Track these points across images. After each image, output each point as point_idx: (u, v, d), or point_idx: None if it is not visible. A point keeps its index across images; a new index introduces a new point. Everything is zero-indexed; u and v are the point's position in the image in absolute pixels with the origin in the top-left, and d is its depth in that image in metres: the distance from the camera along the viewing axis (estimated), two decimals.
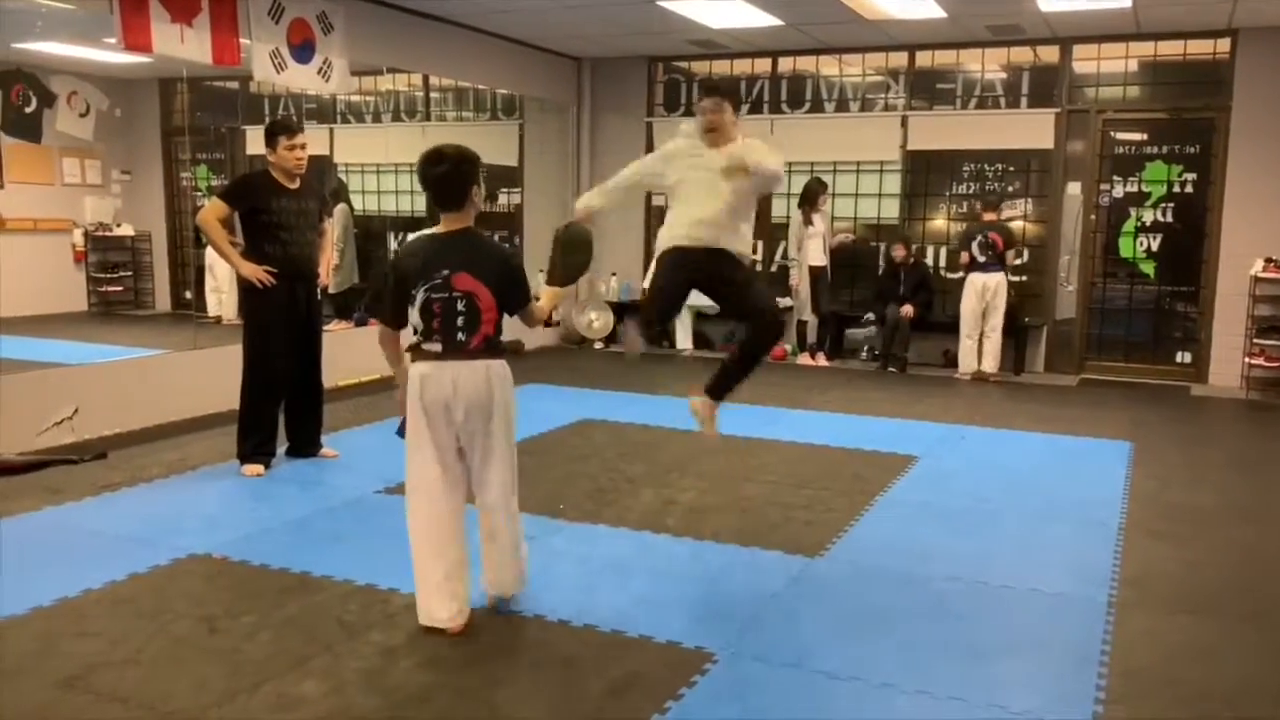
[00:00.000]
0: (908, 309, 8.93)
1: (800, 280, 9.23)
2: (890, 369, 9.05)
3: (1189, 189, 8.72)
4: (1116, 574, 4.00)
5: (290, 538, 4.29)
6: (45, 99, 9.86)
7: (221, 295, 9.77)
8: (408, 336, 3.40)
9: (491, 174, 10.88)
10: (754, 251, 4.36)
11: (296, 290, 5.26)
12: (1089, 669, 3.15)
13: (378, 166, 11.03)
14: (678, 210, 4.06)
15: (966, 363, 8.69)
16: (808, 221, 9.15)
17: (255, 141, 5.35)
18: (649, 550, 4.22)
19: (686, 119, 10.15)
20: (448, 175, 3.30)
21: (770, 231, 10.08)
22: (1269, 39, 8.21)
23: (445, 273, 3.24)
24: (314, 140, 9.79)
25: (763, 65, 10.00)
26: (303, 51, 7.12)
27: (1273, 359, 8.08)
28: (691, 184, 4.01)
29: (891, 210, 9.68)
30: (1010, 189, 9.23)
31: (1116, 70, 8.92)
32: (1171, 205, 8.79)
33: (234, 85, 10.36)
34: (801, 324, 9.51)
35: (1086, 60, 8.95)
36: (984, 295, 8.50)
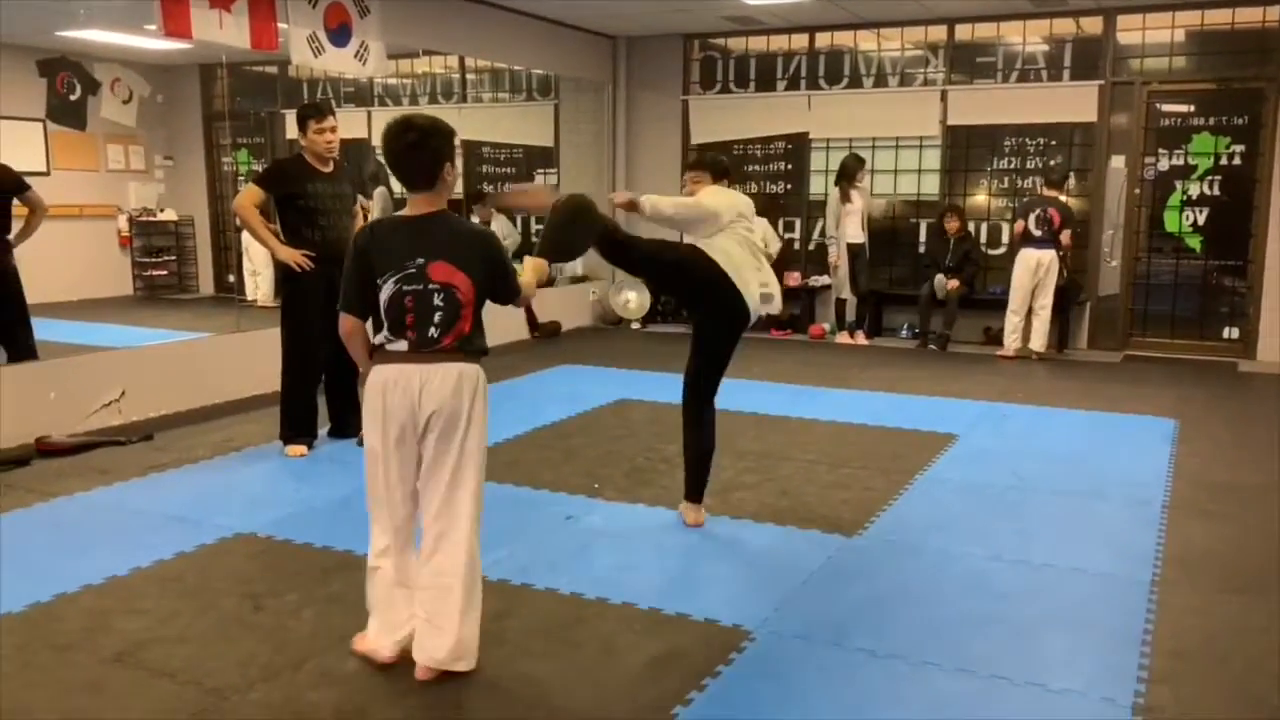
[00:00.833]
0: (954, 282, 8.84)
1: (838, 258, 9.17)
2: (931, 346, 8.97)
3: (1237, 161, 8.54)
4: (1160, 553, 3.95)
5: (332, 517, 4.35)
6: (89, 86, 10.02)
7: (258, 278, 9.89)
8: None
9: (528, 154, 10.90)
10: None
11: (333, 273, 5.27)
12: (1132, 648, 3.12)
13: None
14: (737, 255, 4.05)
15: (1011, 340, 8.52)
16: (845, 198, 9.07)
17: (294, 125, 5.40)
18: (687, 529, 4.22)
19: (723, 96, 10.14)
20: (416, 148, 2.83)
21: (808, 209, 10.02)
22: None
23: (420, 261, 2.80)
24: (352, 123, 9.87)
25: (800, 41, 9.91)
26: (340, 35, 7.16)
27: None
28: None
29: (931, 186, 9.57)
30: (1053, 163, 9.08)
31: (1162, 40, 8.74)
32: (1219, 178, 8.61)
33: (272, 70, 10.46)
34: (840, 302, 9.45)
35: (1131, 31, 8.78)
36: (1036, 271, 8.33)
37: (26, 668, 2.97)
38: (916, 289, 9.23)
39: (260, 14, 6.49)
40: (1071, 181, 9.04)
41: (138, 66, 10.45)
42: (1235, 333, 8.73)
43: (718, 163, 4.42)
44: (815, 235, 9.98)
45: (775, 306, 4.25)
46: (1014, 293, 8.44)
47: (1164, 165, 8.77)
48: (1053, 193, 8.48)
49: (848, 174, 9.08)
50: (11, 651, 3.07)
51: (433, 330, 2.81)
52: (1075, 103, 8.90)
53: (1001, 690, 2.88)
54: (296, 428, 5.35)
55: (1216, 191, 8.64)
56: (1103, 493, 4.76)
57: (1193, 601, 3.52)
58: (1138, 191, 8.86)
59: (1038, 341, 8.47)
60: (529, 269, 3.29)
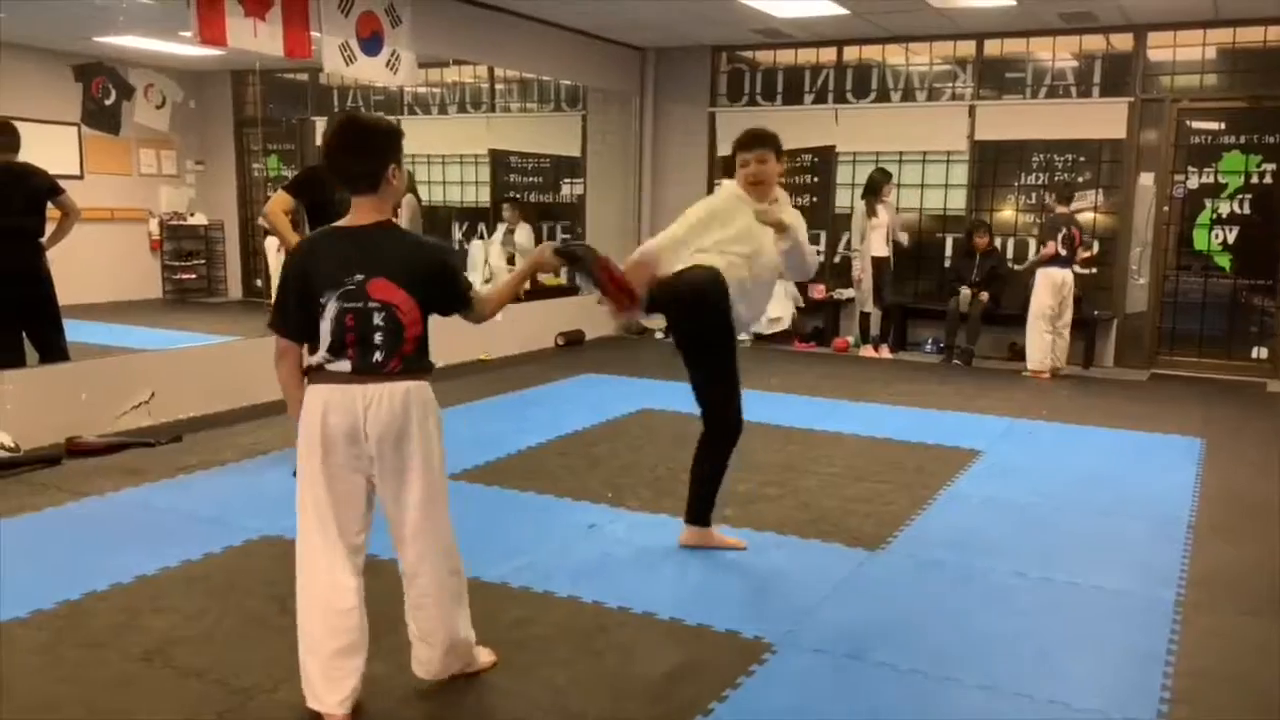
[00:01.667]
0: (983, 295, 8.80)
1: (863, 271, 9.17)
2: (955, 361, 8.94)
3: (1268, 179, 8.48)
4: (1184, 573, 3.93)
5: None
6: (124, 91, 10.15)
7: None
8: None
9: (556, 164, 10.96)
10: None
11: None
12: (1155, 668, 3.11)
13: (443, 158, 11.17)
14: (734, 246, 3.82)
15: (1040, 359, 8.36)
16: (871, 213, 9.07)
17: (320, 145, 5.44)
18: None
19: (750, 109, 10.16)
20: (357, 148, 2.61)
21: (833, 222, 10.02)
22: None
23: (359, 278, 2.58)
24: None
25: (828, 55, 9.93)
26: (371, 44, 7.23)
27: None
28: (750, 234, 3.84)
29: (958, 201, 9.55)
30: (1081, 179, 9.05)
31: (1193, 58, 8.69)
32: (1249, 196, 8.55)
33: (304, 77, 10.58)
34: (864, 316, 9.44)
35: (1162, 48, 8.74)
36: (1060, 290, 8.29)
37: (57, 663, 3.02)
38: (941, 303, 9.21)
39: (294, 22, 6.57)
40: (1100, 197, 9.00)
41: (171, 72, 10.59)
42: (1264, 352, 8.65)
43: (775, 139, 3.97)
44: (840, 249, 9.98)
45: (759, 326, 4.01)
46: (1042, 314, 8.30)
47: (1193, 183, 8.72)
48: (1066, 209, 8.44)
49: (874, 188, 9.09)
50: (43, 647, 3.12)
51: (376, 354, 2.60)
52: (1104, 119, 8.87)
53: (1023, 707, 2.87)
54: None
55: (1247, 210, 8.58)
56: (1127, 511, 4.74)
57: (1216, 622, 3.50)
58: (1166, 209, 8.81)
59: (1060, 358, 8.42)
60: (506, 287, 3.00)
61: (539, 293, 9.51)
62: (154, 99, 10.53)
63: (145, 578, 3.67)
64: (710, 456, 4.04)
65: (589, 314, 9.90)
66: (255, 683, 2.91)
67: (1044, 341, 8.35)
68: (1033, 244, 8.91)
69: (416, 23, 7.57)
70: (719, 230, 3.84)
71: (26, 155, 6.13)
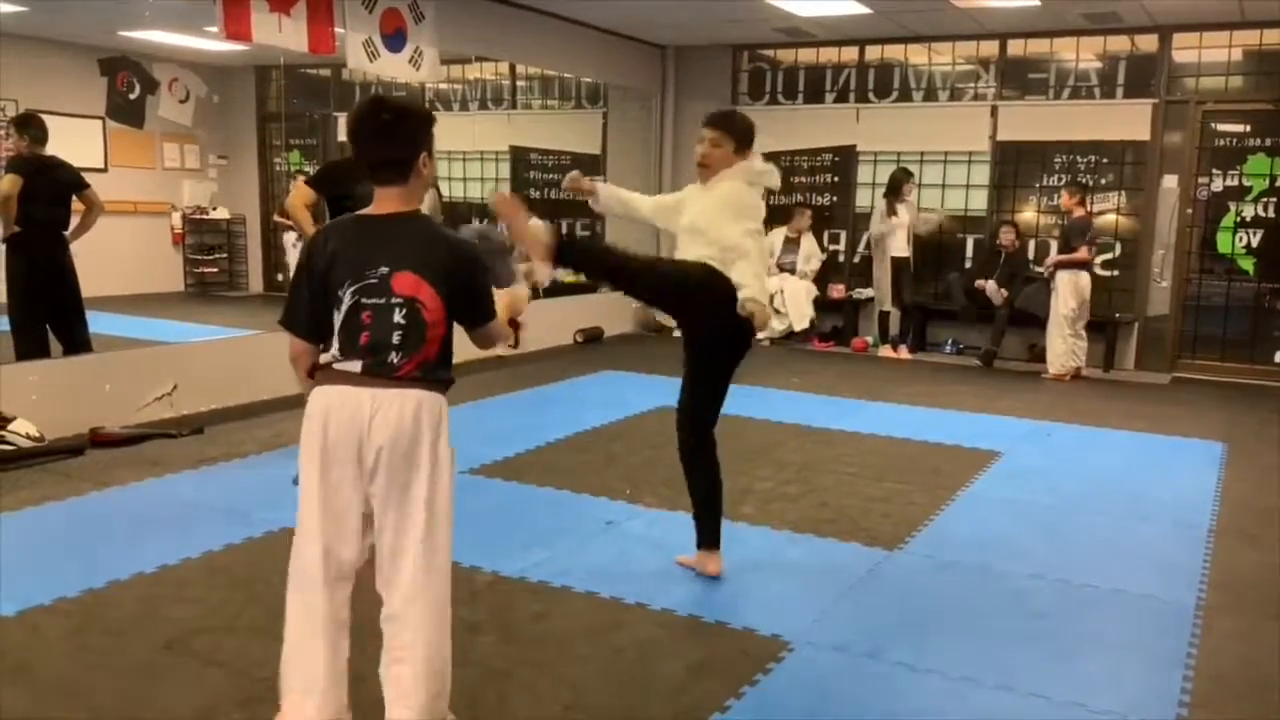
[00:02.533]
0: (1002, 291, 8.77)
1: (881, 271, 9.15)
2: (976, 362, 8.90)
3: None
4: (1205, 577, 3.91)
5: None
6: (148, 86, 10.23)
7: None
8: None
9: (576, 162, 10.97)
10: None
11: None
12: (1174, 671, 3.10)
13: (464, 154, 11.20)
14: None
15: (1061, 362, 8.32)
16: (891, 212, 9.05)
17: (345, 128, 5.48)
18: (726, 538, 4.21)
19: (771, 108, 10.15)
20: (388, 134, 2.38)
21: (853, 221, 10.00)
22: None
23: (383, 270, 2.35)
24: None
25: (850, 54, 9.90)
26: (395, 40, 7.27)
27: None
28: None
29: (979, 202, 9.51)
30: (1103, 181, 8.99)
31: (1219, 59, 8.62)
32: (1274, 200, 8.48)
33: (326, 73, 10.62)
34: (883, 315, 9.41)
35: (1187, 49, 8.68)
36: (1082, 293, 8.24)
37: (82, 650, 3.06)
38: (961, 304, 9.15)
39: (319, 18, 6.60)
40: (1122, 199, 8.96)
41: (196, 67, 10.65)
42: None
43: (746, 127, 3.69)
44: (860, 248, 9.95)
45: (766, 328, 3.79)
46: (1065, 317, 8.26)
47: (1218, 185, 8.66)
48: (1085, 210, 8.40)
49: (894, 188, 9.07)
50: (68, 634, 3.16)
51: (392, 355, 2.34)
52: (1128, 121, 8.81)
53: (1041, 708, 2.87)
54: None
55: (1271, 214, 8.50)
56: (1147, 514, 4.72)
57: (1237, 626, 3.48)
58: (1190, 211, 8.75)
59: (1080, 359, 8.38)
60: (505, 300, 2.71)
61: (558, 290, 9.52)
62: (178, 93, 10.60)
63: (167, 567, 3.71)
64: (717, 469, 3.79)
65: (608, 311, 9.91)
66: (276, 673, 2.92)
67: (1066, 344, 8.31)
68: (1053, 245, 8.85)
69: (440, 19, 7.60)
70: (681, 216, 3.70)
71: (53, 148, 6.20)
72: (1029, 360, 9.00)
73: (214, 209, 11.21)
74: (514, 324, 2.80)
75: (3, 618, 3.25)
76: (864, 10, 8.26)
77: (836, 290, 9.81)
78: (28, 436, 5.17)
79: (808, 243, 9.74)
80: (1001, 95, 9.32)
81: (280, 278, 10.95)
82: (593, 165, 10.83)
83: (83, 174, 6.35)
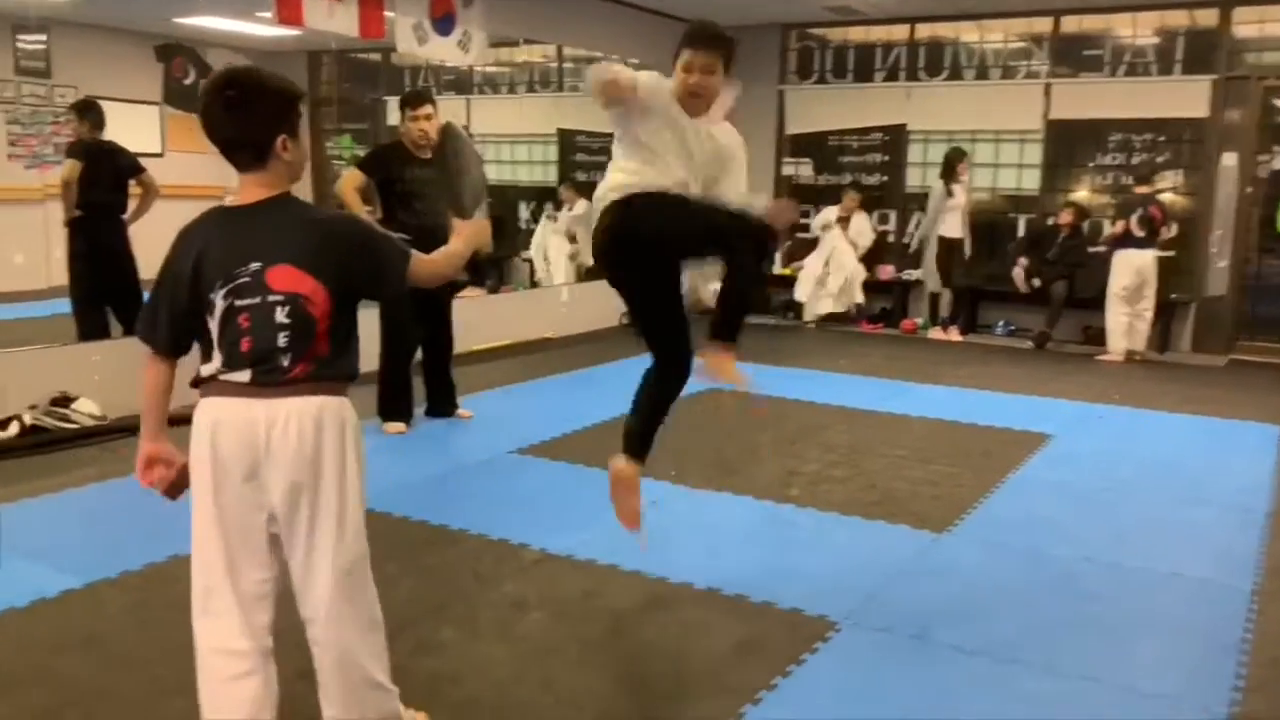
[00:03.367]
0: (1034, 282, 8.67)
1: (929, 254, 9.06)
2: (1031, 343, 8.79)
3: None
4: (1262, 562, 3.85)
5: (430, 492, 4.48)
6: (203, 71, 10.37)
7: None
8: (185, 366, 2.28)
9: None
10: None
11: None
12: (1228, 656, 3.06)
13: (512, 137, 11.25)
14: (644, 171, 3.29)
15: (1115, 343, 8.22)
16: (948, 192, 8.94)
17: (395, 111, 5.58)
18: (772, 519, 4.25)
19: (820, 87, 10.06)
20: (237, 111, 2.10)
21: (904, 202, 9.90)
22: None
23: (255, 265, 2.10)
24: (451, 111, 10.02)
25: (900, 32, 9.78)
26: (444, 24, 7.31)
27: None
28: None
29: (1032, 181, 9.38)
30: (1160, 160, 8.82)
31: None
32: None
33: (376, 57, 10.70)
34: (933, 297, 9.33)
35: (1248, 24, 8.47)
36: (1140, 273, 8.08)
37: (145, 624, 3.15)
38: (1014, 286, 9.03)
39: (369, 3, 6.67)
40: (1180, 178, 8.77)
41: (248, 52, 10.77)
42: None
43: (732, 45, 3.35)
44: (910, 229, 9.85)
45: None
46: (1120, 298, 8.14)
47: (1278, 163, 8.46)
48: (1146, 189, 8.22)
49: (949, 167, 8.94)
50: (131, 607, 3.26)
51: (280, 359, 2.11)
52: (1186, 98, 8.62)
53: (1090, 691, 2.85)
54: (394, 406, 5.50)
55: None
56: (1202, 499, 4.65)
57: None
58: (1250, 190, 8.56)
59: (1138, 342, 8.24)
60: (460, 238, 2.45)
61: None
62: None
63: None
64: (749, 275, 3.56)
65: None
66: None
67: (1120, 324, 8.18)
68: (1108, 225, 8.71)
69: (488, 2, 7.63)
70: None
71: (112, 133, 6.33)
72: (1083, 342, 8.87)
73: None
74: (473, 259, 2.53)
75: (71, 590, 3.35)
76: None
77: (885, 271, 9.73)
78: (90, 416, 5.31)
79: (859, 219, 9.68)
80: (1055, 73, 9.16)
81: None
82: None
83: (139, 158, 6.48)
